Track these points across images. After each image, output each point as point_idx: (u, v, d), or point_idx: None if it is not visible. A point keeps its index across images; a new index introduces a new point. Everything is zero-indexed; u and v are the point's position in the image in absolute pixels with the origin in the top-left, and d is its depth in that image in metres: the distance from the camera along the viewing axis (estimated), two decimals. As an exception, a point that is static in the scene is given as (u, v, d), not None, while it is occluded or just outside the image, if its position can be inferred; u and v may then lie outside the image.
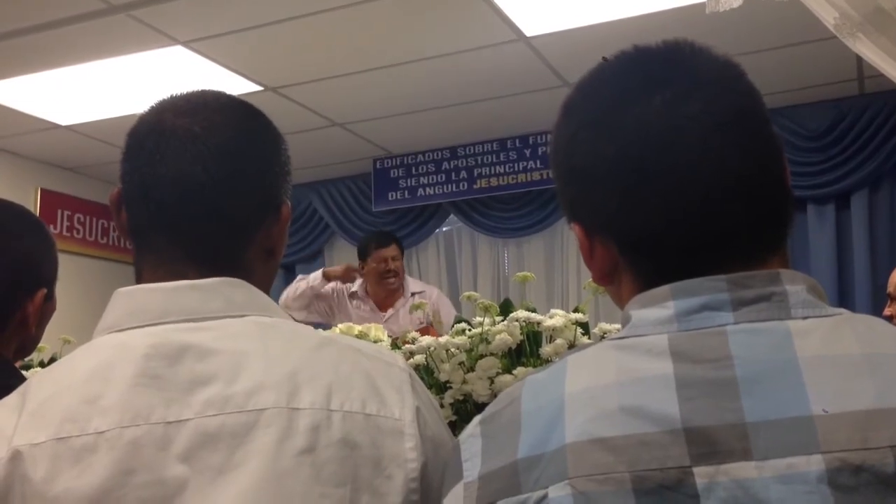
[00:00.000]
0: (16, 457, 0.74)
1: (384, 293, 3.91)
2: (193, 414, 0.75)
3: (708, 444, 0.59)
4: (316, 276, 3.95)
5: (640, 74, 0.73)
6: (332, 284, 3.96)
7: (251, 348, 0.79)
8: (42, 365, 2.20)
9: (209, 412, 0.75)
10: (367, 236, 4.27)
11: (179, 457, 0.74)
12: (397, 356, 0.89)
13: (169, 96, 0.91)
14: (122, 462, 0.73)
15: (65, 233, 5.41)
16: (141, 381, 0.77)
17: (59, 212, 5.42)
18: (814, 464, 0.58)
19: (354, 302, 3.96)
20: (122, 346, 0.80)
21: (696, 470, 0.59)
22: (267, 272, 0.91)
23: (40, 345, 1.40)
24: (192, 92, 0.91)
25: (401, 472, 0.78)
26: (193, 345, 0.78)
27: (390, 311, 3.88)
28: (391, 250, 3.89)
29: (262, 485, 0.73)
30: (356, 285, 3.98)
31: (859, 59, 3.49)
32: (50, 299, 1.29)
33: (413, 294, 3.88)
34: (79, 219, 5.56)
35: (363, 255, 3.95)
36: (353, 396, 0.79)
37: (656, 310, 0.68)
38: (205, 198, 0.84)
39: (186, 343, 0.79)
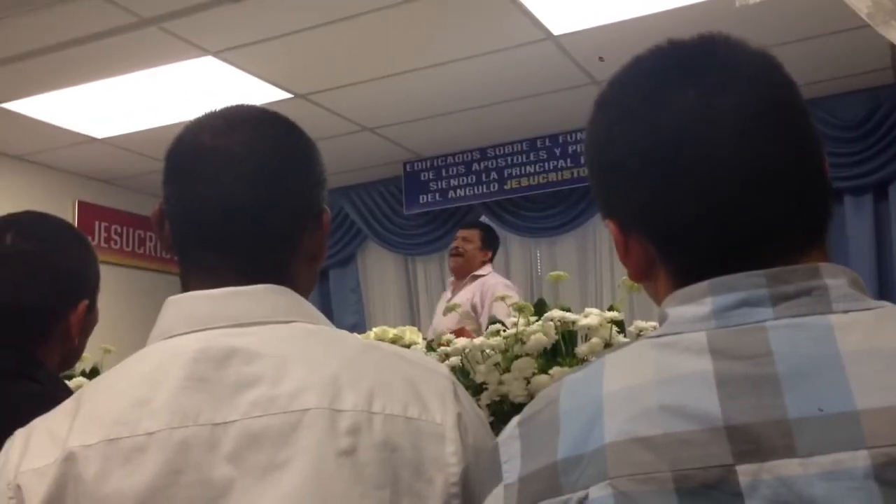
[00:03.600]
0: (69, 458, 0.77)
1: (452, 270, 4.25)
2: (239, 415, 0.77)
3: (750, 442, 0.59)
4: None
5: (674, 68, 0.72)
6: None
7: (295, 352, 0.81)
8: (84, 375, 2.23)
9: (254, 413, 0.77)
10: None
11: (226, 457, 0.76)
12: (440, 364, 0.91)
13: (204, 115, 0.92)
14: (171, 462, 0.75)
15: (102, 244, 5.49)
16: (189, 384, 0.79)
17: (97, 223, 5.51)
18: (860, 459, 0.57)
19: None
20: (171, 351, 0.82)
21: (739, 468, 0.58)
22: (310, 278, 0.93)
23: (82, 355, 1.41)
24: (227, 108, 0.93)
25: (441, 476, 0.78)
26: (240, 348, 0.80)
27: (453, 289, 4.17)
28: (463, 231, 4.28)
29: (305, 485, 0.74)
30: None
31: (893, 48, 3.43)
32: (92, 311, 1.31)
33: (475, 277, 4.08)
34: (116, 230, 5.65)
35: None
36: (394, 400, 0.80)
37: (694, 307, 0.67)
38: (249, 216, 0.86)
39: (233, 347, 0.80)
